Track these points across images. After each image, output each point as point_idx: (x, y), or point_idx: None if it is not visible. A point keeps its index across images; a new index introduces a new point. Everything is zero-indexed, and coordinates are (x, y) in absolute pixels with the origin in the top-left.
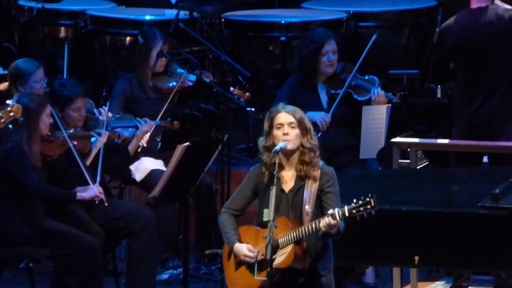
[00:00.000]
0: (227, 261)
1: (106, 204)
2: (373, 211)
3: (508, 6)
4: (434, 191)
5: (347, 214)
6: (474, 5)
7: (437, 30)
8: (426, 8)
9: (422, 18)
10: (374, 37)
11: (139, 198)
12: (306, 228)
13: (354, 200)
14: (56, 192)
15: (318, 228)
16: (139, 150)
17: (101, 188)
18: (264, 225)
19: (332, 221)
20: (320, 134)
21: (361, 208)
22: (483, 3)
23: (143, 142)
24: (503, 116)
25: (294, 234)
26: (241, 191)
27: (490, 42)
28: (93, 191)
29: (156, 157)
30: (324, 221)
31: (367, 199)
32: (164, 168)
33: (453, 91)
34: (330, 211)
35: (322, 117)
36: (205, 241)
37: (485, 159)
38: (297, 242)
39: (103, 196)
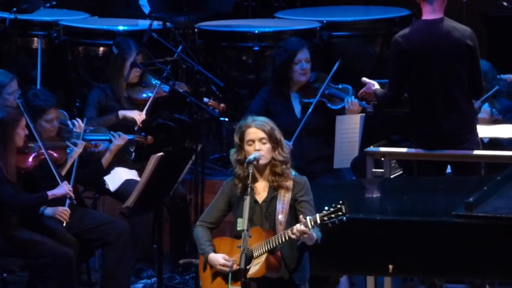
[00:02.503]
0: (203, 272)
1: (75, 202)
2: (344, 218)
3: None
4: (408, 200)
5: (318, 222)
6: (428, 16)
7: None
8: (399, 17)
9: (396, 27)
10: (337, 63)
11: (113, 208)
12: (279, 238)
13: (326, 208)
14: (29, 199)
15: (290, 236)
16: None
17: (70, 186)
18: (238, 235)
19: (304, 229)
20: None
21: (333, 215)
22: (438, 14)
23: (139, 120)
24: (464, 124)
25: (268, 243)
26: (215, 205)
27: (448, 52)
28: (63, 188)
29: (129, 167)
30: (296, 229)
31: (338, 206)
32: (138, 178)
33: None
34: (302, 219)
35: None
36: (179, 250)
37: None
38: (271, 251)
39: (72, 194)
